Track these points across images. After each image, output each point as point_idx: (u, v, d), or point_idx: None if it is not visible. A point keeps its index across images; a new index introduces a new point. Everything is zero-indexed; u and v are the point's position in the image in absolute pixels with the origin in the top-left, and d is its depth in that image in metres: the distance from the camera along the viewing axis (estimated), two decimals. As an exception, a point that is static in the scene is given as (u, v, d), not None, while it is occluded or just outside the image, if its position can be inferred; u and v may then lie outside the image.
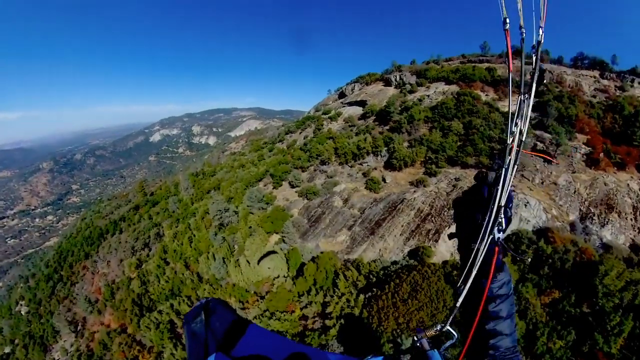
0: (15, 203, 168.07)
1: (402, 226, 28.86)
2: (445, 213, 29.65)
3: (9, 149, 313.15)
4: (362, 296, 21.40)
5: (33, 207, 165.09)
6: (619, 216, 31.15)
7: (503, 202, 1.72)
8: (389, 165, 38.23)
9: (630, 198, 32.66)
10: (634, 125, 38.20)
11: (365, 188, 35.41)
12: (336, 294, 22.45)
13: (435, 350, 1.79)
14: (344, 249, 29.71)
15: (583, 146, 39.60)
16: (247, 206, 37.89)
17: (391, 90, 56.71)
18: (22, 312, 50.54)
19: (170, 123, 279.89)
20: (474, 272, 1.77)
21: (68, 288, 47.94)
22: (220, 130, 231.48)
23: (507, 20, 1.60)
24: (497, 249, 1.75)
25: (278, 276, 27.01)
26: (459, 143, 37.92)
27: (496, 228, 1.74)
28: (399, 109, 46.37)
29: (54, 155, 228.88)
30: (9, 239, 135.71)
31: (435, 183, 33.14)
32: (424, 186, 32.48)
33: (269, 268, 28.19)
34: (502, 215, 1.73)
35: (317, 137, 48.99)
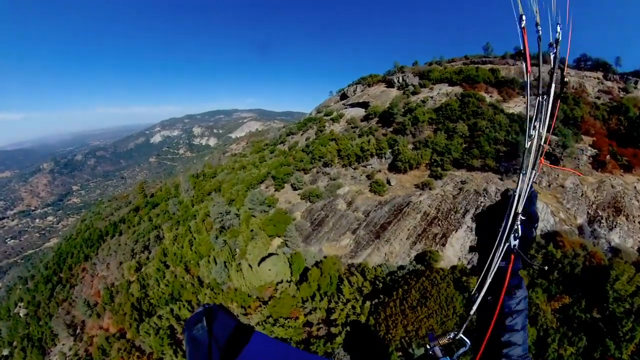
0: (15, 203, 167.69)
1: (408, 230, 28.24)
2: (452, 217, 29.06)
3: (10, 149, 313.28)
4: (368, 303, 20.77)
5: (33, 208, 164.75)
6: (626, 219, 30.66)
7: (520, 209, 1.75)
8: (393, 168, 37.65)
9: (638, 201, 32.18)
10: (639, 127, 37.82)
11: (369, 191, 34.81)
12: (341, 300, 21.82)
13: (448, 357, 1.87)
14: (348, 253, 29.08)
15: (589, 148, 39.23)
16: (249, 209, 37.30)
17: (394, 92, 56.21)
18: (21, 314, 50.04)
19: (171, 124, 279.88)
20: (489, 280, 1.80)
21: (67, 290, 47.39)
22: (221, 131, 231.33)
23: (524, 17, 1.53)
24: (512, 256, 1.78)
25: (281, 281, 26.36)
26: (464, 145, 37.37)
27: (512, 235, 1.77)
28: (403, 110, 45.84)
29: (54, 156, 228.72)
30: (9, 239, 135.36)
31: (441, 186, 32.54)
32: (430, 189, 31.88)
33: (269, 270, 27.56)
34: (519, 222, 1.76)
35: (320, 139, 48.45)
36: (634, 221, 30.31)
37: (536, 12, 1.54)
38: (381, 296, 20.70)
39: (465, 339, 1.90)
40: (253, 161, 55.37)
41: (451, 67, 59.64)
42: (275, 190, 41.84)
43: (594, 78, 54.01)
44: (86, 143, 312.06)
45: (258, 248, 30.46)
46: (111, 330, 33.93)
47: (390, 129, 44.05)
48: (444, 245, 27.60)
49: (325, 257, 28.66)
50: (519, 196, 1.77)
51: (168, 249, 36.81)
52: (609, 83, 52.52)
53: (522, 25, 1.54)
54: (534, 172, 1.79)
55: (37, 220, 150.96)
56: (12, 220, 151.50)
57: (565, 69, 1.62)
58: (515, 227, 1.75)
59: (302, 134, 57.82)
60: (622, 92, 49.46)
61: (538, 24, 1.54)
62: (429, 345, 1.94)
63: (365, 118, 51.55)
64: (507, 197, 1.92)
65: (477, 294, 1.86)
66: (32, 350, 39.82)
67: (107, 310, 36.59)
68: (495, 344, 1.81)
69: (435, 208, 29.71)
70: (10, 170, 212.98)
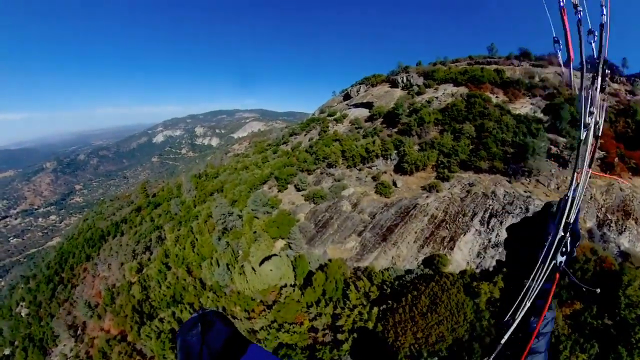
0: (18, 202, 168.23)
1: (416, 233, 27.63)
2: (460, 220, 28.42)
3: (13, 149, 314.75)
4: (375, 308, 20.17)
5: (36, 207, 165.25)
6: (635, 223, 30.22)
7: (573, 217, 1.59)
8: (399, 169, 37.02)
9: (647, 204, 31.62)
10: (647, 130, 37.28)
11: (375, 192, 34.19)
12: (347, 305, 21.23)
13: None
14: (354, 256, 28.49)
15: (597, 151, 38.64)
16: (252, 210, 36.77)
17: (398, 92, 55.60)
18: (22, 314, 49.85)
19: (173, 124, 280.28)
20: (528, 304, 1.67)
21: (68, 291, 47.12)
22: (223, 131, 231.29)
23: None
24: (557, 275, 1.63)
25: (285, 285, 25.80)
26: (471, 146, 36.71)
27: (559, 251, 1.61)
28: (408, 110, 45.22)
29: (57, 156, 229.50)
30: (11, 238, 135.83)
31: (449, 188, 31.89)
32: (437, 191, 31.23)
33: (271, 270, 27.02)
34: (569, 236, 1.59)
35: (323, 140, 47.89)
36: (644, 225, 29.76)
37: None
38: (389, 302, 20.11)
39: None
40: (256, 161, 54.88)
41: (455, 68, 58.98)
42: (278, 191, 41.31)
43: (600, 80, 53.37)
44: (89, 143, 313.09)
45: (261, 250, 29.94)
46: (112, 332, 33.51)
47: (395, 130, 43.44)
48: (452, 249, 26.98)
49: (330, 260, 28.08)
50: (572, 202, 1.57)
51: (170, 250, 36.34)
52: (615, 85, 51.73)
53: (562, 3, 1.42)
54: (589, 172, 1.58)
55: (40, 219, 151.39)
56: (15, 219, 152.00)
57: (602, 56, 1.49)
58: (565, 240, 1.58)
59: (305, 135, 57.31)
60: (629, 95, 48.85)
61: (577, 6, 1.42)
62: None
63: (370, 118, 50.96)
64: (549, 208, 1.76)
65: (511, 321, 1.74)
66: (34, 351, 39.58)
67: (108, 312, 36.19)
68: None
69: (443, 211, 29.09)
70: (13, 169, 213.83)
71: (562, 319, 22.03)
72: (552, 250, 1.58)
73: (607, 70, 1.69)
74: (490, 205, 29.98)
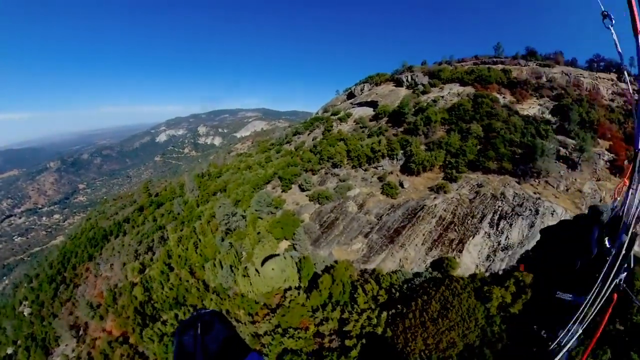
0: (22, 201, 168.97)
1: (424, 235, 26.94)
2: (468, 221, 27.71)
3: (17, 148, 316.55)
4: (385, 313, 19.53)
5: (40, 206, 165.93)
6: (645, 225, 29.26)
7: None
8: (406, 169, 36.30)
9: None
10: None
11: (381, 193, 33.50)
12: (355, 310, 20.61)
13: None
14: (360, 257, 27.85)
15: (606, 153, 37.99)
16: (256, 210, 36.22)
17: (403, 91, 54.88)
18: (25, 313, 49.73)
19: (176, 123, 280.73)
20: (580, 330, 1.64)
21: (71, 290, 46.88)
22: (225, 131, 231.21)
23: None
24: (615, 296, 1.55)
25: (290, 288, 25.20)
26: (479, 147, 35.96)
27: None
28: (413, 110, 44.49)
29: (61, 155, 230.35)
30: (16, 236, 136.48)
31: (457, 189, 31.16)
32: (445, 192, 30.51)
33: (272, 269, 26.42)
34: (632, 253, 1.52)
35: (328, 139, 47.26)
36: (655, 229, 29.09)
37: None
38: (399, 306, 19.47)
39: None
40: (259, 161, 54.33)
41: (461, 67, 58.20)
42: (282, 191, 40.73)
43: (608, 80, 52.35)
44: (92, 142, 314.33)
45: (265, 251, 29.36)
46: (114, 333, 33.09)
47: (401, 129, 42.73)
48: (460, 251, 26.29)
49: (336, 261, 27.46)
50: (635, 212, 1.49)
51: (172, 250, 35.87)
52: (623, 85, 50.74)
53: None
54: None
55: (43, 218, 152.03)
56: (20, 218, 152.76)
57: None
58: (630, 256, 1.49)
59: (308, 134, 56.71)
60: (637, 95, 48.01)
61: None
62: None
63: (375, 117, 50.27)
64: (596, 214, 1.64)
65: (558, 347, 1.67)
66: (36, 350, 39.34)
67: (110, 313, 35.81)
68: None
69: (451, 212, 28.39)
70: (17, 168, 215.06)
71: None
72: (615, 267, 1.46)
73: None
74: (499, 206, 29.26)
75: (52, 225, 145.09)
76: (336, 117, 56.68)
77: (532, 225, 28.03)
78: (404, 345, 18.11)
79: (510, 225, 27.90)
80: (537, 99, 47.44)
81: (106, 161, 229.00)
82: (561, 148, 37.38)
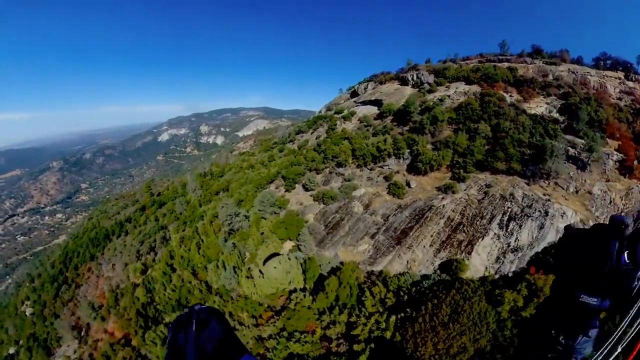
0: (25, 201, 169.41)
1: (432, 236, 26.29)
2: (477, 223, 27.04)
3: (19, 148, 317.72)
4: (393, 317, 18.93)
5: (43, 205, 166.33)
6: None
7: None
8: (412, 169, 35.61)
9: (668, 208, 30.25)
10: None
11: (387, 193, 32.84)
12: (363, 313, 20.02)
13: None
14: (367, 259, 27.23)
15: (615, 153, 37.28)
16: (259, 210, 35.64)
17: (408, 90, 54.19)
18: (27, 313, 49.54)
19: (178, 123, 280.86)
20: (619, 349, 1.78)
21: (73, 290, 46.58)
22: (227, 130, 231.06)
23: None
24: None
25: (295, 290, 24.63)
26: (487, 147, 35.25)
27: None
28: (419, 108, 43.79)
29: (63, 155, 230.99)
30: (19, 236, 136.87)
31: (465, 189, 30.47)
32: (453, 192, 29.82)
33: (275, 268, 25.87)
34: None
35: (332, 138, 46.63)
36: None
37: None
38: (408, 310, 18.87)
39: None
40: (262, 160, 53.76)
41: (467, 66, 57.47)
42: (285, 191, 40.14)
43: (615, 78, 51.54)
44: (95, 141, 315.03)
45: (269, 252, 28.83)
46: (116, 335, 32.66)
47: (407, 128, 42.05)
48: (469, 253, 25.64)
49: (341, 263, 26.86)
50: None
51: (175, 251, 35.37)
52: (630, 83, 49.98)
53: None
54: None
55: (46, 218, 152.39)
56: (22, 218, 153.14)
57: None
58: None
59: (312, 133, 56.10)
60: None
61: None
62: None
63: (379, 116, 49.59)
64: (618, 226, 1.61)
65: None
66: (38, 350, 39.06)
67: (112, 314, 35.39)
68: None
69: (460, 213, 27.73)
70: (20, 168, 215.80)
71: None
72: None
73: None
74: (508, 207, 28.60)
75: (54, 225, 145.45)
76: (340, 115, 56.04)
77: (541, 227, 27.38)
78: (413, 350, 17.54)
79: (520, 226, 27.25)
80: (544, 97, 46.65)
81: (108, 161, 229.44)
82: (570, 148, 36.67)
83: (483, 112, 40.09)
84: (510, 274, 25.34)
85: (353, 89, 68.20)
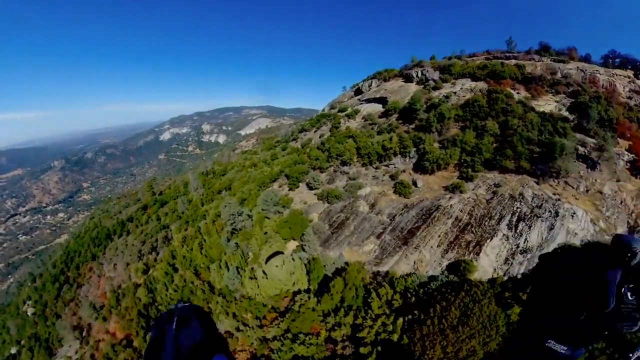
0: (27, 200, 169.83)
1: (439, 236, 25.66)
2: (486, 223, 26.39)
3: (21, 147, 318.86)
4: (400, 319, 18.36)
5: (44, 205, 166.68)
6: (669, 228, 28.16)
7: None
8: (418, 168, 34.93)
9: (679, 209, 29.57)
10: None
11: (393, 192, 32.19)
12: (369, 315, 19.46)
13: None
14: (372, 259, 26.64)
15: (626, 153, 36.58)
16: (262, 209, 35.10)
17: (413, 87, 53.44)
18: (29, 313, 49.38)
19: (180, 122, 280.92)
20: None
21: (74, 290, 46.29)
22: (230, 128, 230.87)
23: None
24: None
25: (299, 291, 24.09)
26: (495, 145, 34.52)
27: None
28: (425, 106, 43.05)
29: (65, 154, 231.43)
30: (20, 235, 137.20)
31: (473, 189, 29.80)
32: (461, 192, 29.16)
33: (276, 266, 25.35)
34: None
35: (336, 136, 46.00)
36: (676, 231, 28.05)
37: None
38: (415, 312, 18.30)
39: None
40: (264, 159, 53.19)
41: (473, 62, 56.62)
42: (289, 190, 39.58)
43: (624, 77, 50.63)
44: (96, 141, 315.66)
45: (272, 252, 28.30)
46: (118, 335, 32.26)
47: (413, 126, 41.34)
48: (478, 254, 25.01)
49: (347, 263, 26.30)
50: None
51: (177, 251, 34.91)
52: (639, 82, 49.08)
53: None
54: None
55: (48, 217, 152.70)
56: (24, 217, 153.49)
57: None
58: None
59: (315, 131, 55.50)
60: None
61: None
62: None
63: (384, 114, 48.89)
64: (623, 251, 1.39)
65: None
66: (39, 351, 38.85)
67: (114, 314, 35.00)
68: None
69: (468, 213, 27.08)
70: (22, 168, 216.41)
71: None
72: None
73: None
74: (517, 207, 27.94)
75: (56, 224, 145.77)
76: (344, 113, 55.39)
77: (551, 228, 26.73)
78: (421, 353, 16.98)
79: (529, 227, 26.60)
80: (553, 95, 45.84)
81: (110, 160, 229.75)
82: (580, 147, 35.97)
83: (490, 109, 39.34)
84: (519, 276, 24.72)
85: (357, 87, 67.46)
